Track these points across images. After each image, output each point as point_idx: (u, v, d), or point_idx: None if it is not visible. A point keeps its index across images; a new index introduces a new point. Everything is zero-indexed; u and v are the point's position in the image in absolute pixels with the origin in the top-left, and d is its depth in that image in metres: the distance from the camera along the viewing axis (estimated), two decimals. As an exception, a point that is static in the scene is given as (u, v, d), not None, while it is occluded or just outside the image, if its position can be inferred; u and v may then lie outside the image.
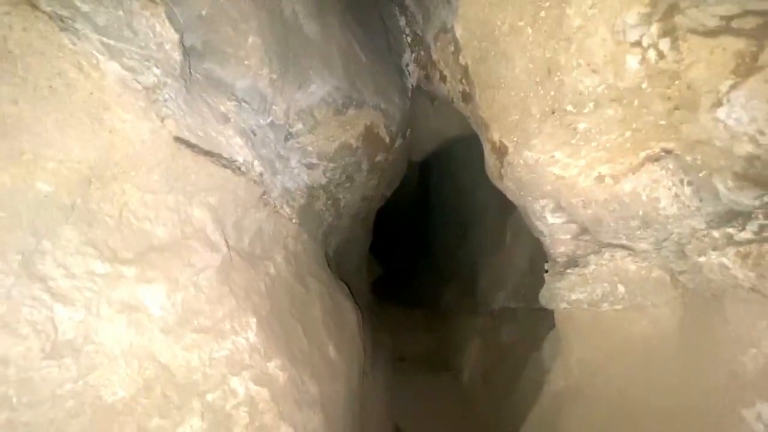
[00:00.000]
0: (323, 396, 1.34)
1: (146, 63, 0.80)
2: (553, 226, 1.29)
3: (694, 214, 0.78)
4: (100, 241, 0.72)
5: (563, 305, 1.31)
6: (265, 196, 1.35)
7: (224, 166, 1.10)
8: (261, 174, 1.27)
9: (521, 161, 1.21)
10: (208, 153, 1.03)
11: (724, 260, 0.78)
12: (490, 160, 1.49)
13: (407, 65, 2.30)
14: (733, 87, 0.67)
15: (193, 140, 0.95)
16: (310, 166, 1.67)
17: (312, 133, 1.54)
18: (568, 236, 1.28)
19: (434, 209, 4.77)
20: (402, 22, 2.09)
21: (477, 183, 3.05)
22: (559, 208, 1.19)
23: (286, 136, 1.41)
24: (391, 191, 2.91)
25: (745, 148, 0.68)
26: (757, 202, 0.76)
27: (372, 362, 2.39)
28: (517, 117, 1.17)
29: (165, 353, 0.80)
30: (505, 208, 2.43)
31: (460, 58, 1.46)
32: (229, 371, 0.94)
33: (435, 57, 1.80)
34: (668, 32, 0.70)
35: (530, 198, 1.31)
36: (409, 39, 2.12)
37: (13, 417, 0.60)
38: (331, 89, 1.51)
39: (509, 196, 1.53)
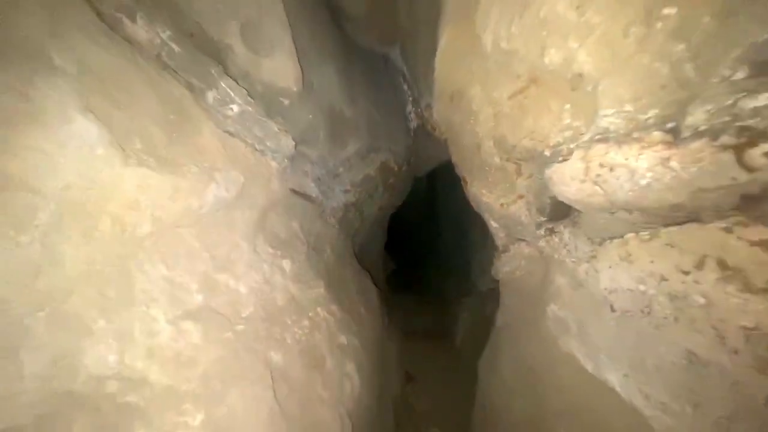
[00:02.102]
0: (358, 332, 2.32)
1: (281, 154, 1.80)
2: (493, 228, 2.24)
3: (534, 220, 1.70)
4: (269, 230, 1.72)
5: (500, 275, 2.26)
6: (322, 213, 2.34)
7: (306, 199, 2.10)
8: (321, 201, 2.27)
9: (472, 191, 2.16)
10: (300, 194, 2.03)
11: (555, 238, 1.70)
12: (463, 186, 2.44)
13: (409, 113, 3.27)
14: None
15: (296, 189, 1.96)
16: (346, 192, 2.66)
17: (348, 172, 2.53)
18: (502, 234, 2.22)
19: (439, 214, 5.72)
20: (405, 87, 3.07)
21: (468, 194, 3.99)
22: (492, 218, 2.14)
23: (333, 177, 2.40)
24: (400, 202, 3.89)
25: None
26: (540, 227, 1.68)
27: (388, 334, 3.35)
28: (467, 166, 2.12)
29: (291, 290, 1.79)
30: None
31: (439, 125, 2.42)
32: (316, 304, 1.92)
33: (426, 116, 2.77)
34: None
35: (481, 212, 2.26)
36: (410, 98, 3.10)
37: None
38: (360, 145, 2.50)
39: (475, 209, 2.48)
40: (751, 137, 0.65)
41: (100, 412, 0.82)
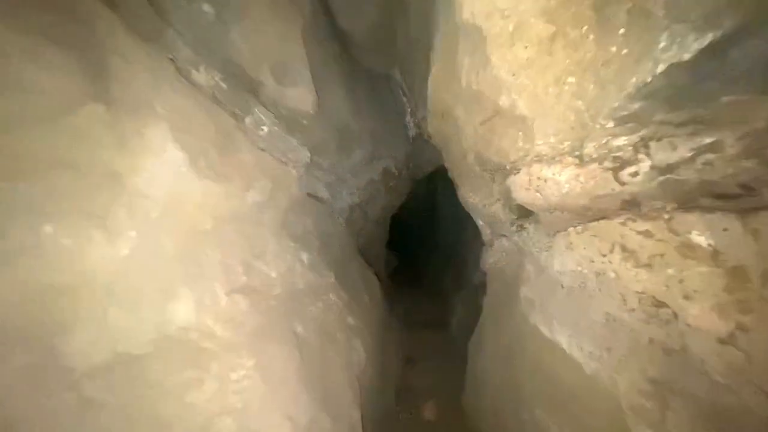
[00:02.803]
0: (362, 316, 2.69)
1: (300, 164, 2.17)
2: (480, 225, 2.61)
3: (509, 218, 2.06)
4: (289, 227, 2.10)
5: (487, 266, 2.63)
6: (331, 213, 2.72)
7: (318, 200, 2.48)
8: (331, 202, 2.65)
9: (461, 193, 2.53)
10: (314, 196, 2.41)
11: (524, 233, 2.07)
12: (456, 188, 2.80)
13: (408, 122, 3.63)
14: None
15: (311, 192, 2.34)
16: (352, 194, 3.03)
17: (354, 177, 2.91)
18: (488, 231, 2.59)
19: (439, 214, 6.09)
20: (404, 99, 3.44)
21: (463, 195, 4.35)
22: (478, 217, 2.51)
23: (342, 182, 2.78)
24: (401, 202, 4.27)
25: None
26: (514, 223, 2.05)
27: (391, 322, 3.73)
28: (457, 172, 2.49)
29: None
30: (476, 214, 3.72)
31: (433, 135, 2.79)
32: (328, 290, 2.30)
33: (423, 126, 3.14)
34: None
35: (470, 211, 2.63)
36: (409, 110, 3.47)
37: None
38: (364, 153, 2.87)
39: (466, 209, 2.84)
40: (621, 163, 1.02)
41: (188, 350, 1.20)
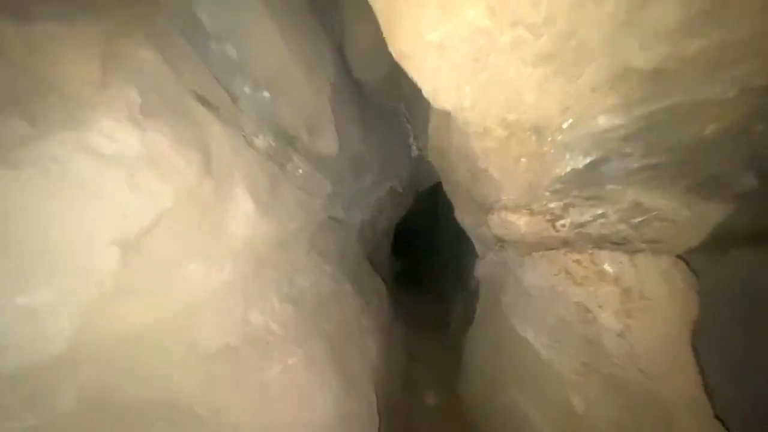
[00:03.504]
0: (373, 317, 3.25)
1: (324, 194, 2.72)
2: (474, 241, 3.16)
3: (493, 239, 2.61)
4: (316, 245, 2.66)
5: (479, 275, 3.18)
6: (347, 230, 3.27)
7: (336, 221, 3.04)
8: (346, 221, 3.21)
9: (457, 213, 3.08)
10: (333, 218, 2.97)
11: (504, 252, 2.61)
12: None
13: (411, 145, 4.18)
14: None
15: (331, 215, 2.89)
16: (362, 212, 3.59)
17: (364, 197, 3.46)
18: (479, 246, 3.15)
19: (440, 222, 6.63)
20: (408, 126, 3.98)
21: (460, 207, 4.90)
22: (471, 235, 3.06)
23: (355, 203, 3.33)
24: (404, 213, 4.83)
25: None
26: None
27: (395, 323, 4.28)
28: (453, 195, 3.03)
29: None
30: (472, 226, 4.27)
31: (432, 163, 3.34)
32: (346, 296, 2.85)
33: (424, 149, 3.68)
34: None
35: (465, 229, 3.17)
36: (412, 134, 4.01)
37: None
38: (374, 177, 3.42)
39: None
40: (555, 218, 1.57)
41: (261, 343, 1.75)
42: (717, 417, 1.31)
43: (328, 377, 2.01)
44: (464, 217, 2.95)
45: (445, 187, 3.22)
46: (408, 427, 3.06)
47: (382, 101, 3.47)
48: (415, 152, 4.20)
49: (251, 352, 1.66)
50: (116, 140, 1.06)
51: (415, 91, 2.96)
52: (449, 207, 5.66)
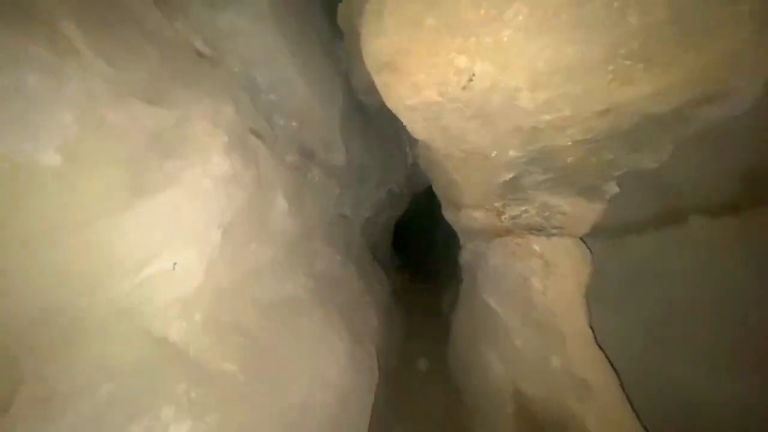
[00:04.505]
0: (375, 296, 4.00)
1: (334, 197, 3.49)
2: (458, 233, 3.92)
3: (468, 230, 3.35)
4: (328, 237, 3.43)
5: (462, 262, 3.94)
6: (352, 225, 4.04)
7: (344, 217, 3.80)
8: (352, 218, 3.97)
9: (443, 210, 3.84)
10: (342, 215, 3.73)
11: (477, 240, 3.36)
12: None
13: (408, 153, 4.94)
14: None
15: (340, 212, 3.66)
16: (366, 210, 4.35)
17: (367, 199, 4.23)
18: (462, 237, 3.91)
19: (436, 220, 7.38)
20: (405, 137, 4.74)
21: (452, 206, 5.65)
22: (455, 227, 3.82)
23: (359, 203, 4.10)
24: (402, 212, 5.59)
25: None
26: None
27: (395, 308, 5.04)
28: (440, 196, 3.79)
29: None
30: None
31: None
32: (352, 279, 3.61)
33: (418, 159, 4.44)
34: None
35: (450, 223, 3.93)
36: (408, 144, 4.77)
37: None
38: (375, 181, 4.19)
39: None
40: (499, 213, 2.32)
41: (297, 307, 2.52)
42: (597, 344, 2.04)
43: (342, 332, 2.77)
44: (447, 214, 3.70)
45: (434, 188, 3.97)
46: (403, 388, 3.82)
47: (382, 118, 4.23)
48: (411, 159, 4.96)
49: (288, 307, 2.42)
50: (219, 166, 1.82)
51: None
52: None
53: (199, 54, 1.94)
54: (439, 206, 7.05)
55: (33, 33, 1.10)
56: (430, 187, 6.19)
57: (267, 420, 1.76)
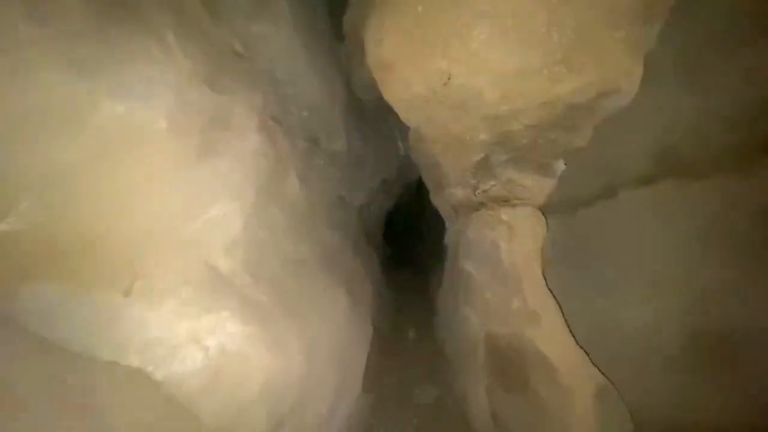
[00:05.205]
0: (369, 270, 4.54)
1: (335, 179, 4.04)
2: (444, 217, 4.51)
3: (450, 210, 3.93)
4: (330, 218, 3.96)
5: (447, 242, 4.52)
6: (350, 208, 4.58)
7: (342, 200, 4.35)
8: (349, 202, 4.52)
9: (432, 197, 4.42)
10: (341, 198, 4.28)
11: (459, 217, 3.93)
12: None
13: (399, 145, 5.51)
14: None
15: (339, 195, 4.20)
16: (362, 196, 4.90)
17: (363, 184, 4.78)
18: (447, 220, 4.49)
19: (425, 211, 7.96)
20: (396, 132, 5.31)
21: (440, 197, 6.24)
22: (440, 211, 4.41)
23: (356, 189, 4.64)
24: (394, 202, 6.16)
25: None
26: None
27: (386, 288, 5.59)
28: (429, 183, 4.36)
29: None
30: (447, 210, 5.61)
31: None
32: (348, 254, 4.14)
33: (408, 151, 5.01)
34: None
35: (437, 208, 4.51)
36: (399, 137, 5.34)
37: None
38: (370, 169, 4.75)
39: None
40: (474, 188, 2.90)
41: (313, 271, 3.05)
42: (548, 288, 2.63)
43: (342, 292, 3.31)
44: (435, 199, 4.28)
45: (423, 176, 4.54)
46: (393, 351, 4.38)
47: (377, 114, 4.80)
48: (402, 151, 5.53)
49: (300, 265, 2.94)
50: (253, 141, 2.34)
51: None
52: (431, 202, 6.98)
53: (237, 53, 2.48)
54: (426, 206, 7.63)
55: (147, 35, 1.63)
56: (419, 184, 6.78)
57: (292, 340, 2.29)
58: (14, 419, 1.22)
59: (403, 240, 8.66)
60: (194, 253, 1.92)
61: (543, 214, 2.81)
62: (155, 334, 1.63)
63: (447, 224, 4.51)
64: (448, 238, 4.50)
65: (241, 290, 2.14)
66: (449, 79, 2.16)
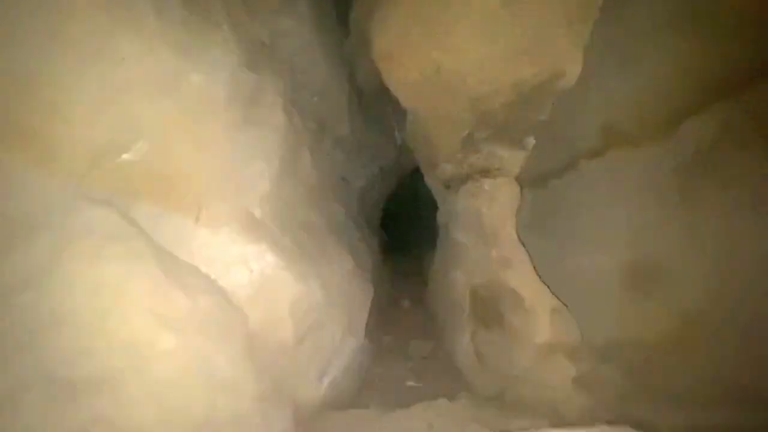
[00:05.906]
0: (370, 244, 5.10)
1: (339, 161, 4.61)
2: (437, 197, 5.09)
3: (442, 187, 4.52)
4: (336, 196, 4.53)
5: (439, 221, 5.12)
6: (351, 189, 5.15)
7: (345, 182, 4.92)
8: (351, 183, 5.09)
9: (426, 178, 5.01)
10: (344, 179, 4.85)
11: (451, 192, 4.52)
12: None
13: (396, 136, 6.11)
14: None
15: (343, 176, 4.77)
16: (362, 180, 5.48)
17: (363, 170, 5.36)
18: (439, 199, 5.08)
19: (420, 199, 8.56)
20: (394, 122, 5.90)
21: (433, 185, 6.83)
22: (433, 190, 5.00)
23: (357, 171, 5.22)
24: (391, 189, 6.75)
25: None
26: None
27: (383, 266, 6.15)
28: (423, 165, 4.95)
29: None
30: (439, 196, 6.20)
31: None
32: (351, 228, 4.70)
33: (405, 140, 5.61)
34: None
35: (430, 189, 5.10)
36: (397, 127, 5.94)
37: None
38: (370, 155, 5.34)
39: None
40: (461, 161, 3.49)
41: (320, 242, 3.60)
42: (522, 243, 3.22)
43: (348, 256, 3.86)
44: (428, 179, 4.87)
45: (416, 157, 5.13)
46: (390, 319, 4.93)
47: (378, 104, 5.40)
48: (399, 141, 6.13)
49: (313, 229, 3.49)
50: (280, 117, 2.90)
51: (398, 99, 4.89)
52: (427, 193, 7.59)
53: (264, 44, 3.05)
54: (421, 200, 8.21)
55: (213, 26, 2.19)
56: (414, 177, 7.38)
57: (312, 276, 2.83)
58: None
59: (398, 228, 9.25)
60: (240, 199, 2.47)
61: (518, 183, 3.41)
62: (215, 253, 2.18)
63: (439, 203, 5.10)
64: (440, 217, 5.08)
65: (272, 234, 2.69)
66: (440, 66, 2.75)
